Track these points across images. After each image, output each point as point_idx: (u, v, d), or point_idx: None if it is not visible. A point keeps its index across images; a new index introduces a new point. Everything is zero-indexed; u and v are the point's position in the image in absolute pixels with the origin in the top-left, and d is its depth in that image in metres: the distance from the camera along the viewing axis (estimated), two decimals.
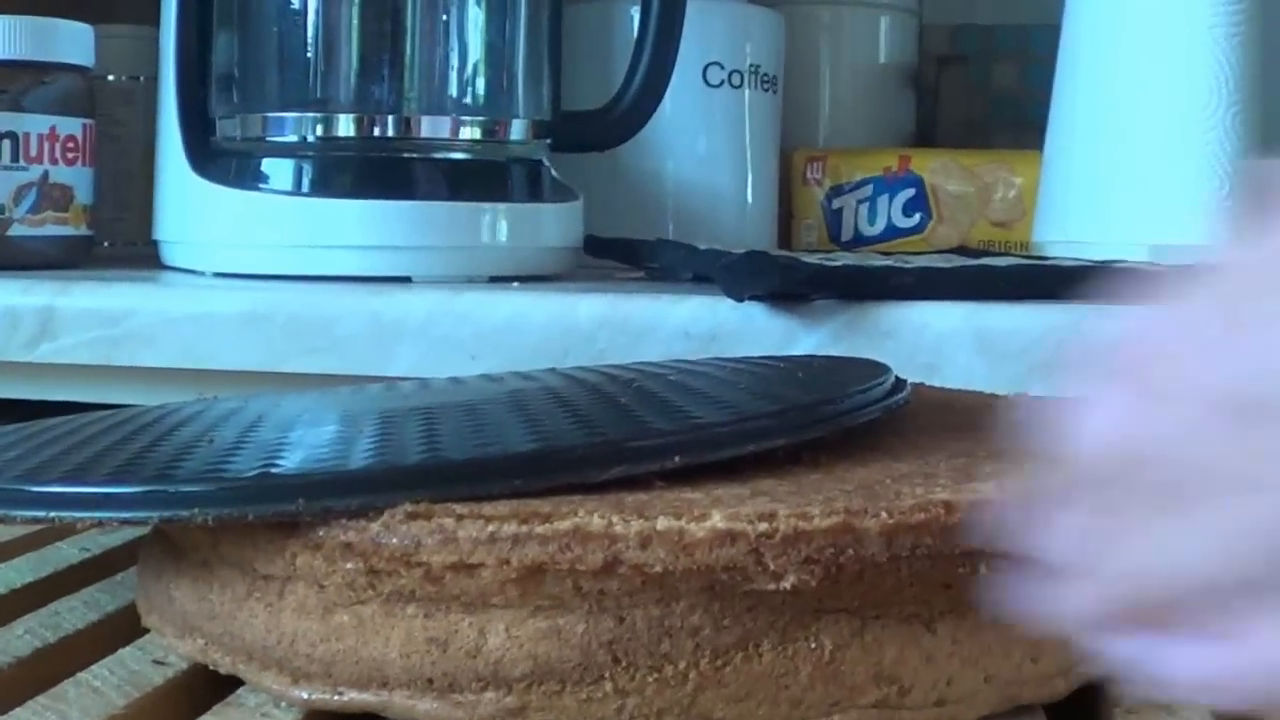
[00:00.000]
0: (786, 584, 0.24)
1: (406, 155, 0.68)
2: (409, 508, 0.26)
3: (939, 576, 0.25)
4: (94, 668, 0.30)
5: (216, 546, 0.28)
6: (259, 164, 0.68)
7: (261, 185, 0.68)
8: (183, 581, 0.29)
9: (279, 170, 0.68)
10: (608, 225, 0.75)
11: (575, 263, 0.73)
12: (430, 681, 0.26)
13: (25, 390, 0.65)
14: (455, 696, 0.25)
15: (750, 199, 0.85)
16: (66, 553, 0.40)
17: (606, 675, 0.25)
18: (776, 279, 0.54)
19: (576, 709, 0.25)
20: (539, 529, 0.25)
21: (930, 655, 0.26)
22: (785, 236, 0.88)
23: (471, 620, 0.25)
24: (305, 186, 0.67)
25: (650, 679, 0.25)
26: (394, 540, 0.25)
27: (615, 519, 0.25)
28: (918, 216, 0.85)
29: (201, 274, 0.69)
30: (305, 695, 0.27)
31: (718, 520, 0.25)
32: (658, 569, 0.24)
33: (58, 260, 0.72)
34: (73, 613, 0.34)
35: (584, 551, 0.24)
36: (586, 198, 0.72)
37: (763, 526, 0.25)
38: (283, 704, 0.27)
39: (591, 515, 0.25)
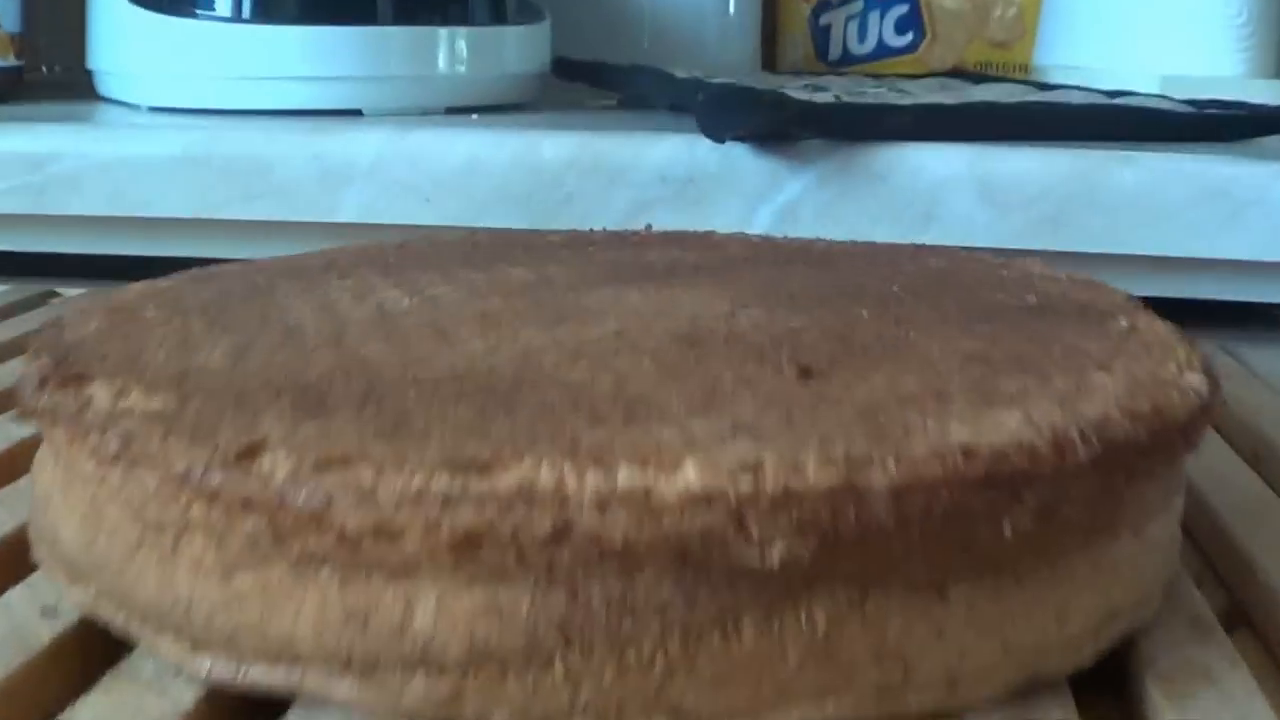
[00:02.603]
0: (774, 556, 0.20)
1: None
2: (320, 454, 0.21)
3: (955, 537, 0.21)
4: None
5: (104, 480, 0.24)
6: None
7: (200, 11, 0.61)
8: (71, 519, 0.25)
9: None
10: (578, 46, 0.69)
11: (541, 90, 0.67)
12: (349, 662, 0.22)
13: None
14: (379, 678, 0.21)
15: (732, 11, 0.78)
16: None
17: (557, 659, 0.21)
18: (761, 118, 0.48)
19: (521, 697, 0.21)
20: (475, 486, 0.20)
21: (941, 628, 0.22)
22: (769, 55, 0.82)
23: (396, 590, 0.21)
24: (247, 12, 0.61)
25: (609, 664, 0.21)
26: (302, 496, 0.21)
27: (567, 468, 0.21)
28: (910, 34, 0.79)
29: (137, 107, 0.63)
30: (206, 665, 0.23)
31: (691, 475, 0.20)
32: (617, 539, 0.20)
33: None
34: None
35: (529, 516, 0.20)
36: (554, 17, 0.66)
37: (745, 484, 0.20)
38: (183, 674, 0.24)
39: (540, 465, 0.21)
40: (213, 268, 0.38)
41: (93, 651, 0.25)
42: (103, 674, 0.24)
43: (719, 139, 0.49)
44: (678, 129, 0.52)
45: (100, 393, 0.25)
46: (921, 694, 0.22)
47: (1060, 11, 0.69)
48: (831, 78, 0.72)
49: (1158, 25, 0.65)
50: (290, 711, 0.23)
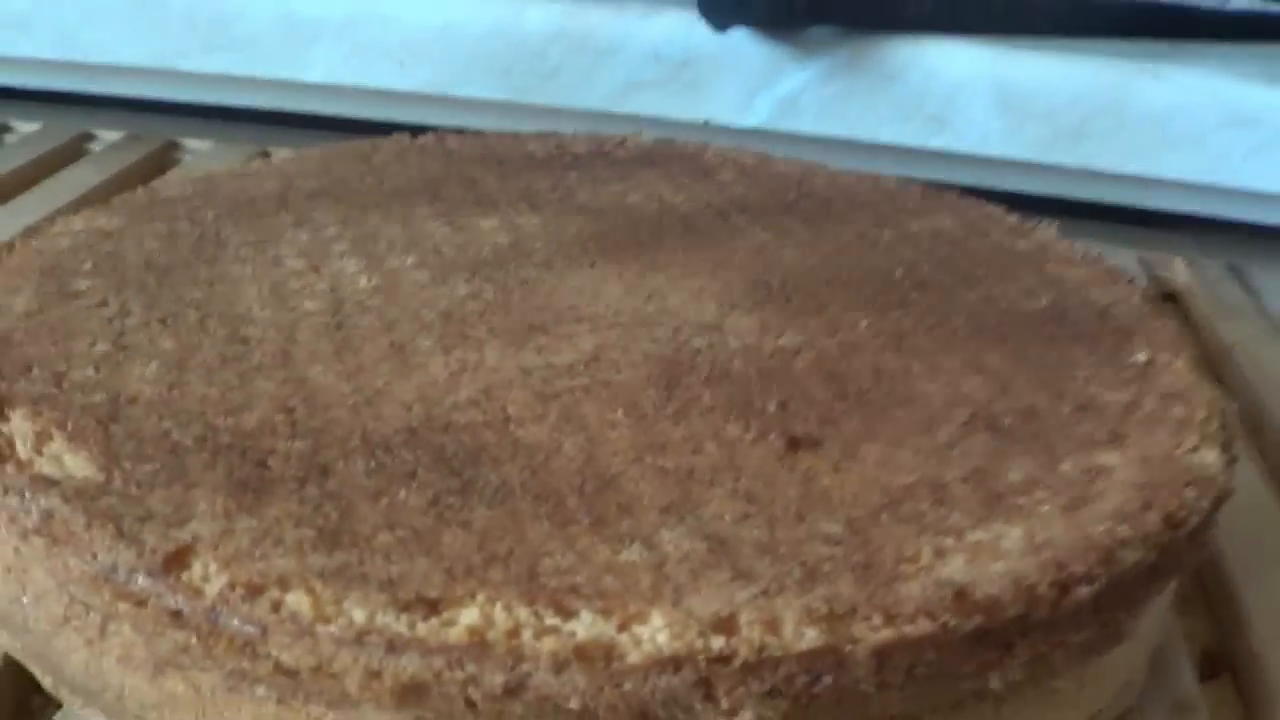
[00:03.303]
0: None
1: None
2: (255, 574, 0.19)
3: (939, 694, 0.20)
4: None
5: (27, 537, 0.22)
6: None
7: None
8: None
9: None
10: None
11: None
12: None
13: None
14: None
15: None
16: None
17: None
18: (767, 8, 0.44)
19: None
20: (423, 630, 0.19)
21: None
22: None
23: (335, 716, 0.20)
24: None
25: None
26: (235, 622, 0.19)
27: (525, 615, 0.19)
28: None
29: None
30: None
31: (660, 630, 0.19)
32: (574, 702, 0.18)
33: None
34: None
35: (480, 670, 0.19)
36: None
37: (718, 644, 0.19)
38: None
39: (494, 607, 0.19)
40: (161, 189, 0.35)
41: (27, 680, 0.24)
42: (35, 701, 0.23)
43: (720, 28, 0.45)
44: (675, 3, 0.48)
45: (20, 429, 0.23)
46: None
47: None
48: None
49: None
50: None
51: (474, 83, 0.48)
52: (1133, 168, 0.45)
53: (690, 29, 0.47)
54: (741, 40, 0.46)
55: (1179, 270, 0.47)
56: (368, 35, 0.49)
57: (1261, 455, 0.37)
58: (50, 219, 0.43)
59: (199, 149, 0.52)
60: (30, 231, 0.32)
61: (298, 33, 0.49)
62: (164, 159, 0.52)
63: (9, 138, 0.54)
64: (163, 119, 0.55)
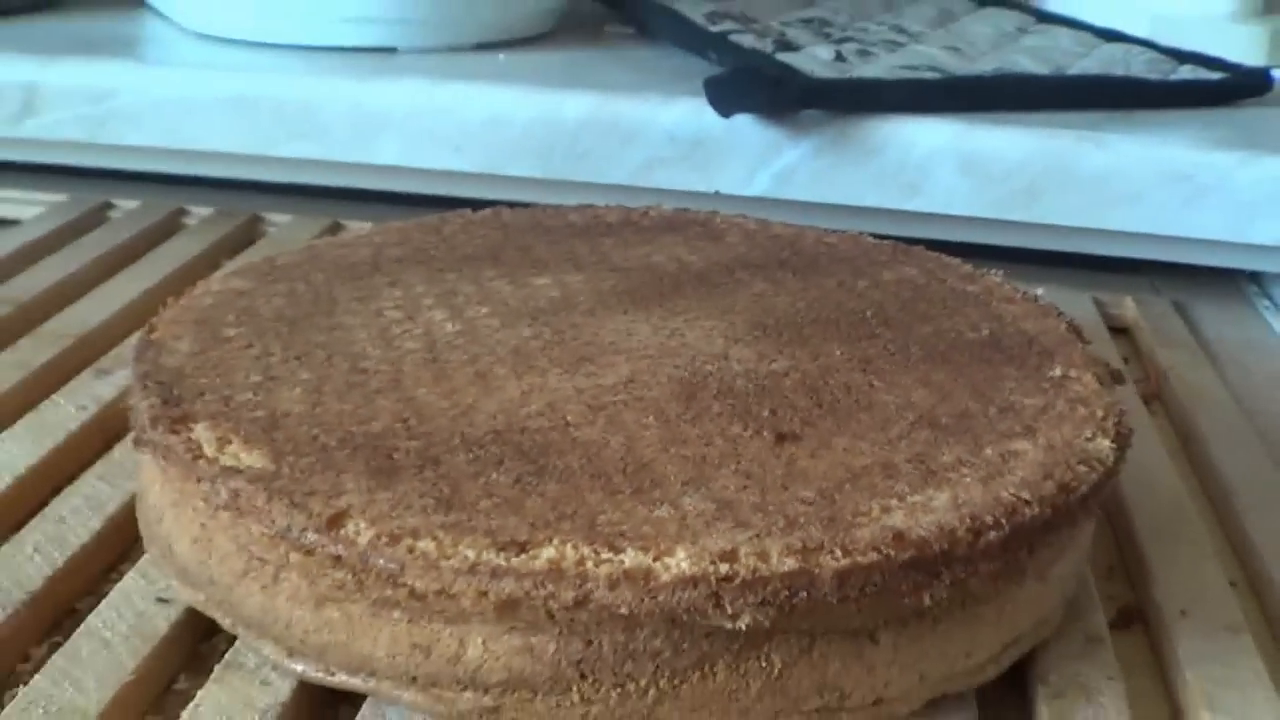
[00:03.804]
0: (742, 624, 0.26)
1: None
2: (394, 527, 0.27)
3: (886, 604, 0.27)
4: (103, 609, 0.32)
5: (214, 516, 0.30)
6: None
7: None
8: (183, 538, 0.31)
9: None
10: None
11: (561, 18, 0.71)
12: (414, 679, 0.28)
13: (16, 156, 0.64)
14: (436, 692, 0.28)
15: None
16: (64, 411, 0.41)
17: (574, 688, 0.27)
18: (765, 98, 0.53)
19: (546, 713, 0.28)
20: (515, 562, 0.26)
21: (871, 665, 0.28)
22: None
23: (452, 630, 0.27)
24: None
25: (614, 693, 0.27)
26: (381, 561, 0.27)
27: (587, 551, 0.27)
28: None
29: (182, 29, 0.67)
30: (299, 669, 0.29)
31: (683, 560, 0.26)
32: (624, 609, 0.26)
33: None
34: (76, 515, 0.36)
35: (557, 589, 0.26)
36: None
37: (724, 569, 0.26)
38: (280, 668, 0.30)
39: (565, 546, 0.27)
40: (277, 258, 0.43)
41: (202, 632, 0.32)
42: (202, 648, 0.31)
43: (725, 115, 0.53)
44: (688, 93, 0.56)
45: (204, 436, 0.31)
46: (854, 714, 0.28)
47: None
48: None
49: None
50: (365, 704, 0.29)
51: (519, 163, 0.57)
52: (1080, 221, 0.53)
53: (701, 115, 0.55)
54: (744, 124, 0.55)
55: (1128, 307, 0.55)
56: (428, 125, 0.57)
57: (1189, 461, 0.45)
58: (163, 280, 0.51)
59: (281, 222, 0.61)
60: (178, 292, 0.40)
61: (368, 123, 0.58)
62: (251, 231, 0.60)
63: (113, 213, 0.62)
64: (248, 195, 0.63)
